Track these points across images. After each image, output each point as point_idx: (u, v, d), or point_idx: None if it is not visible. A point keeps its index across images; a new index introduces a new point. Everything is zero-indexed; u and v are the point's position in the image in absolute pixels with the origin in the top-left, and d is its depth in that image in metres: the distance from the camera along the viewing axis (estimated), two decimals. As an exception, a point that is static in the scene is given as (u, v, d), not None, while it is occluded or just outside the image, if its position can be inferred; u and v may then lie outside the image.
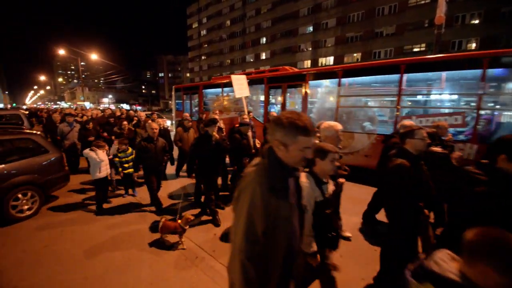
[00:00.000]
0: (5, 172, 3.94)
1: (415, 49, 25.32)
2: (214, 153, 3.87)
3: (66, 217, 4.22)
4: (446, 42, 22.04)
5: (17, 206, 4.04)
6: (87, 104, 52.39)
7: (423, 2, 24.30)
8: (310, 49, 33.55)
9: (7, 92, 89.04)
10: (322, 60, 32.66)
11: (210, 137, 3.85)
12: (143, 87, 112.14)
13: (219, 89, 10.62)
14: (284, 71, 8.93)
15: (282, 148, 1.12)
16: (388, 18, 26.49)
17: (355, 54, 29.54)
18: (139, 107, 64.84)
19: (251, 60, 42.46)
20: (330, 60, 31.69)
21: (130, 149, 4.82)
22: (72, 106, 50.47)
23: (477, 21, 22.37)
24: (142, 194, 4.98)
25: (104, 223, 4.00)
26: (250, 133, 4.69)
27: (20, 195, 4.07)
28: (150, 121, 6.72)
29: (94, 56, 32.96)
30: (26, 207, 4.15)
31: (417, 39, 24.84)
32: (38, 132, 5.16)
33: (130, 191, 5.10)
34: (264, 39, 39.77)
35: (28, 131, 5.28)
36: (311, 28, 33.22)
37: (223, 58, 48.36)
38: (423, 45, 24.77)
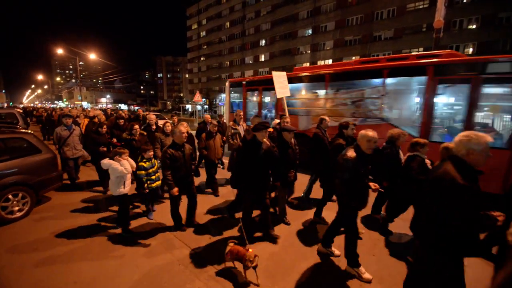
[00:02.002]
0: (-4, 172, 3.84)
1: (413, 53, 25.45)
2: (263, 163, 3.25)
3: (60, 220, 4.11)
4: (443, 47, 22.17)
5: (7, 207, 3.93)
6: (85, 104, 52.05)
7: (421, 6, 24.50)
8: (309, 51, 33.65)
9: (4, 91, 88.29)
10: (321, 63, 32.76)
11: (259, 144, 3.23)
12: (142, 87, 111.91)
13: (313, 84, 8.01)
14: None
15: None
16: (386, 22, 26.66)
17: (353, 57, 29.64)
18: (137, 107, 64.54)
19: (250, 62, 42.50)
20: (329, 62, 31.80)
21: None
22: (69, 106, 50.16)
23: (474, 26, 22.57)
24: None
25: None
26: (293, 140, 3.99)
27: (10, 196, 3.97)
28: (174, 124, 6.09)
29: (92, 56, 32.82)
30: (16, 208, 4.05)
31: (415, 43, 25.00)
32: (31, 132, 5.06)
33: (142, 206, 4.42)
34: (264, 41, 39.85)
35: (21, 130, 5.17)
36: (310, 31, 33.35)
37: (222, 60, 48.37)
38: (421, 49, 24.90)
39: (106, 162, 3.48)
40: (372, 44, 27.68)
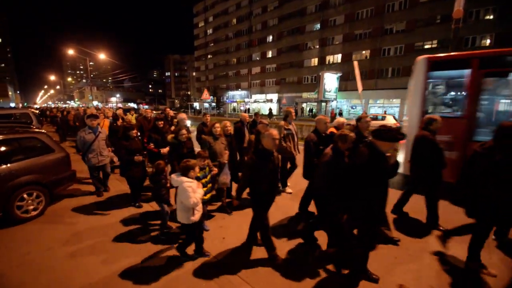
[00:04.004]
0: (11, 171, 3.87)
1: (426, 46, 24.64)
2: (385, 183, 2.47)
3: (73, 218, 4.14)
4: (459, 39, 21.33)
5: (22, 206, 3.97)
6: (95, 103, 53.11)
7: (435, -3, 23.58)
8: (317, 46, 33.09)
9: (18, 92, 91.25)
10: (330, 58, 32.19)
11: (383, 158, 2.37)
12: (150, 86, 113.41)
13: None
14: None
15: None
16: (398, 14, 25.85)
17: (363, 52, 28.99)
18: (145, 106, 65.45)
19: (257, 59, 42.23)
20: (338, 57, 31.21)
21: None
22: (81, 105, 51.18)
23: (491, 17, 21.57)
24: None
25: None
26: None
27: (25, 195, 4.00)
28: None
29: (102, 56, 33.40)
30: (31, 207, 4.08)
31: (428, 35, 24.17)
32: (44, 131, 5.11)
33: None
34: (271, 37, 39.46)
35: (34, 130, 5.22)
36: (318, 26, 32.76)
37: (229, 57, 48.28)
38: (435, 41, 24.08)
39: (177, 179, 2.70)
40: (383, 37, 26.95)
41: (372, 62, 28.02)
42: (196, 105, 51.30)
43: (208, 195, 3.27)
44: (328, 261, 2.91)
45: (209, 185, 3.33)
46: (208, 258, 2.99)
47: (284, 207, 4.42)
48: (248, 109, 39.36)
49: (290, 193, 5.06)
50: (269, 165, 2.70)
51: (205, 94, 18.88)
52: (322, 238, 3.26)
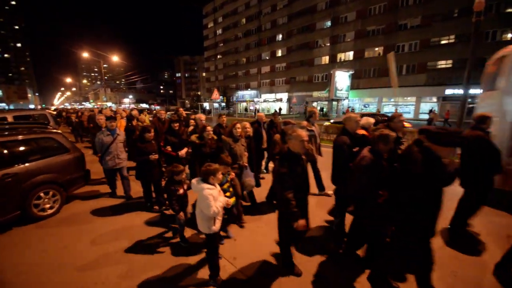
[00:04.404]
0: (28, 171, 3.94)
1: (443, 41, 23.70)
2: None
3: (87, 216, 4.17)
4: (479, 33, 20.38)
5: (39, 205, 4.04)
6: (109, 104, 54.55)
7: (452, -10, 22.62)
8: (328, 44, 32.54)
9: (37, 94, 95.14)
10: (341, 56, 31.57)
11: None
12: (161, 87, 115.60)
13: None
14: None
15: None
16: (412, 9, 24.99)
17: (376, 48, 28.25)
18: (157, 107, 66.63)
19: (267, 58, 42.06)
20: (350, 55, 30.56)
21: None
22: (96, 106, 52.72)
23: (514, 9, 20.47)
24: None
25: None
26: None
27: (42, 194, 4.07)
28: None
29: (115, 58, 34.35)
30: (48, 205, 4.15)
31: (445, 30, 23.23)
32: (60, 131, 5.19)
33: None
34: (280, 36, 39.18)
35: (51, 130, 5.33)
36: (329, 23, 32.20)
37: (239, 57, 48.34)
38: (452, 36, 23.12)
39: (198, 186, 2.45)
40: (397, 33, 26.15)
41: (386, 59, 27.21)
42: (206, 105, 51.72)
43: (232, 200, 3.01)
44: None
45: (231, 189, 3.14)
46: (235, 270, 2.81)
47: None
48: (257, 109, 39.18)
49: (330, 195, 4.64)
50: (297, 169, 2.42)
51: (215, 94, 18.93)
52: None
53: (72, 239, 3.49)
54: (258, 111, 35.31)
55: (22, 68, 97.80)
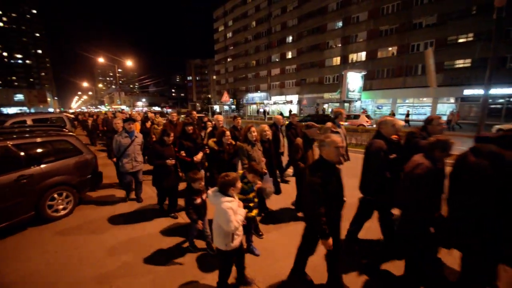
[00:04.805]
0: (43, 172, 4.02)
1: (461, 40, 22.78)
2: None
3: (102, 223, 4.11)
4: (500, 30, 19.47)
5: (52, 205, 4.11)
6: (123, 108, 56.11)
7: (470, -14, 21.77)
8: (340, 45, 32.06)
9: (56, 98, 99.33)
10: (353, 56, 31.02)
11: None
12: (173, 90, 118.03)
13: None
14: None
15: None
16: (427, 8, 24.22)
17: (390, 48, 27.55)
18: (169, 110, 67.87)
19: (277, 60, 41.99)
20: (362, 55, 29.96)
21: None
22: (110, 110, 54.32)
23: (539, 4, 19.39)
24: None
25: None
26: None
27: (55, 195, 4.14)
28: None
29: (129, 63, 35.48)
30: (61, 206, 4.22)
31: (463, 28, 22.32)
32: (74, 134, 5.30)
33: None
34: (290, 38, 39.03)
35: (65, 133, 5.45)
36: (340, 23, 31.76)
37: (248, 59, 48.55)
38: (471, 35, 22.19)
39: (215, 198, 2.21)
40: (412, 32, 25.39)
41: (400, 59, 26.50)
42: (216, 107, 52.17)
43: (255, 211, 2.80)
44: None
45: (256, 199, 2.87)
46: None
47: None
48: (266, 111, 39.05)
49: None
50: (331, 180, 2.12)
51: (225, 97, 18.97)
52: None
53: (88, 249, 3.33)
54: (267, 113, 35.20)
55: (43, 74, 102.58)
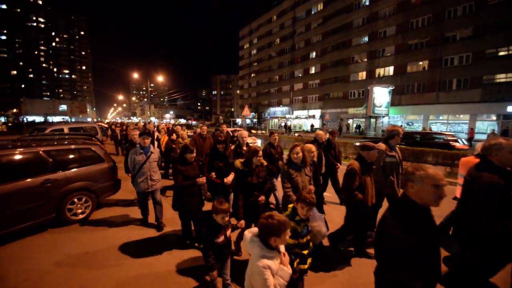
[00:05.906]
0: (67, 177, 4.23)
1: (501, 53, 21.08)
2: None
3: (114, 253, 3.41)
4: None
5: (72, 209, 4.27)
6: (152, 119, 59.48)
7: (510, -3, 20.36)
8: (365, 60, 31.40)
9: (94, 109, 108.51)
10: (380, 71, 30.10)
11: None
12: (199, 104, 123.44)
13: None
14: None
15: None
16: (462, 20, 22.99)
17: (420, 62, 26.33)
18: (194, 122, 70.62)
19: (300, 75, 42.17)
20: (390, 70, 28.95)
21: None
22: (141, 121, 57.74)
23: None
24: None
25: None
26: None
27: (75, 199, 4.31)
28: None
29: (160, 78, 38.21)
30: (79, 210, 4.37)
31: (502, 41, 20.71)
32: (98, 143, 5.59)
33: None
34: (314, 54, 39.18)
35: (90, 141, 5.78)
36: (366, 38, 31.28)
37: (272, 75, 49.41)
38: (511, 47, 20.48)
39: (252, 247, 1.65)
40: (444, 46, 24.11)
41: (432, 74, 25.12)
42: (239, 121, 53.17)
43: (309, 261, 2.16)
44: None
45: (311, 244, 2.21)
46: None
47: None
48: (287, 125, 38.84)
49: None
50: (425, 234, 1.40)
51: (246, 111, 19.21)
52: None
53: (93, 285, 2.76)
54: (289, 128, 34.88)
55: (85, 87, 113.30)
